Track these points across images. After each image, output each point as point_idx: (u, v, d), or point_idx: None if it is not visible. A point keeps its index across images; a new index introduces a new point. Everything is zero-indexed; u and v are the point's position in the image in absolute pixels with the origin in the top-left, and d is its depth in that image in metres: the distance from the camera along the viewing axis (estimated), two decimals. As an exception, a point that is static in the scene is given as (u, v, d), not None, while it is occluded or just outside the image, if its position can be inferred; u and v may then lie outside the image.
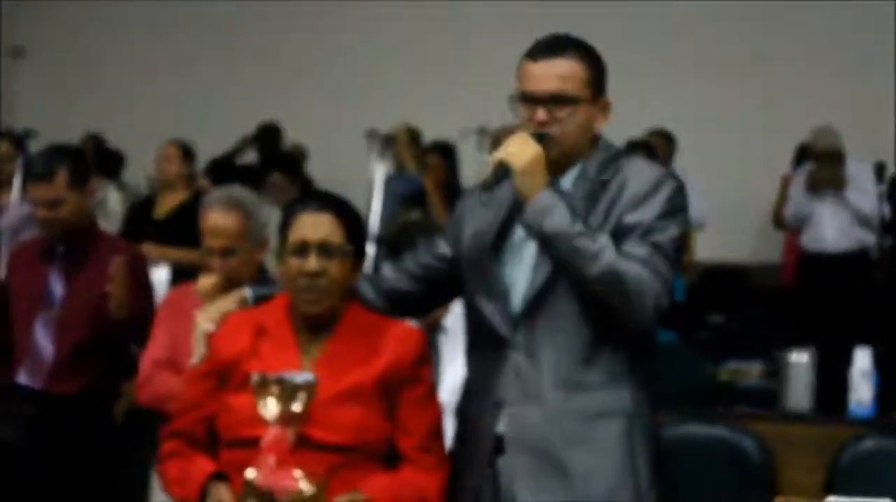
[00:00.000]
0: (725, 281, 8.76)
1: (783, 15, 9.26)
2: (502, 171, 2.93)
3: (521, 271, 3.02)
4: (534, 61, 2.99)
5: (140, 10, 10.62)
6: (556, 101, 2.96)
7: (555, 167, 2.97)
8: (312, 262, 3.03)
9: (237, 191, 4.15)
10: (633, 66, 9.06)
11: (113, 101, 10.29)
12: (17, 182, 6.80)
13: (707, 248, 8.38)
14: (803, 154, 8.35)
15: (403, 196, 7.87)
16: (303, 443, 2.91)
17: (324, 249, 3.05)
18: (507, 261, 3.04)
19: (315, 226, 3.07)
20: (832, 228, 7.84)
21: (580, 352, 2.96)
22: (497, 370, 3.01)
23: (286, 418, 2.87)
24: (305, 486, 2.83)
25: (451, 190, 7.92)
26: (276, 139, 9.37)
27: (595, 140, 3.05)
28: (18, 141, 7.06)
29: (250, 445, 2.93)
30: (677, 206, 2.99)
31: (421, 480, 3.04)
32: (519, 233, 3.04)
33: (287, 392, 2.86)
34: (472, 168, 8.28)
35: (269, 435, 2.87)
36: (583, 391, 2.96)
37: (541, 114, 2.96)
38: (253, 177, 8.04)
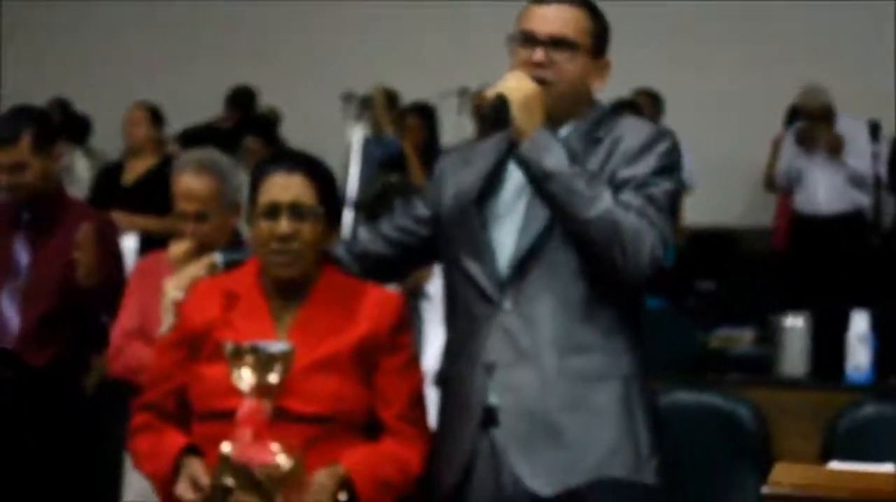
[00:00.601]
0: (715, 245, 8.75)
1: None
2: (500, 105, 2.88)
3: (510, 230, 2.97)
4: (539, 4, 2.98)
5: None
6: (556, 43, 2.93)
7: (548, 119, 2.92)
8: (283, 225, 2.97)
9: (210, 153, 4.08)
10: (621, 23, 9.04)
11: (78, 64, 10.23)
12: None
13: (696, 212, 8.36)
14: (794, 115, 8.33)
15: (381, 159, 7.84)
16: (279, 415, 2.85)
17: (295, 211, 2.99)
18: (493, 220, 3.00)
19: (286, 187, 3.01)
20: (825, 189, 7.83)
21: (573, 311, 2.92)
22: (484, 332, 2.95)
23: (262, 389, 2.80)
24: (283, 460, 2.78)
25: (431, 152, 7.88)
26: (249, 102, 9.31)
27: (589, 99, 3.03)
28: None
29: (224, 418, 2.87)
30: (672, 162, 2.97)
31: (402, 451, 3.00)
32: (507, 190, 3.00)
33: (262, 362, 2.79)
34: (452, 130, 8.26)
35: (245, 408, 2.80)
36: (578, 352, 2.92)
37: (539, 53, 2.93)
38: (226, 141, 8.00)
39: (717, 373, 6.00)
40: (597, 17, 3.00)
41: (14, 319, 4.44)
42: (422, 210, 3.14)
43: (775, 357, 5.22)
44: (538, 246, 2.92)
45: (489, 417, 2.92)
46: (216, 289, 3.07)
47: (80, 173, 7.92)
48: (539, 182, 2.87)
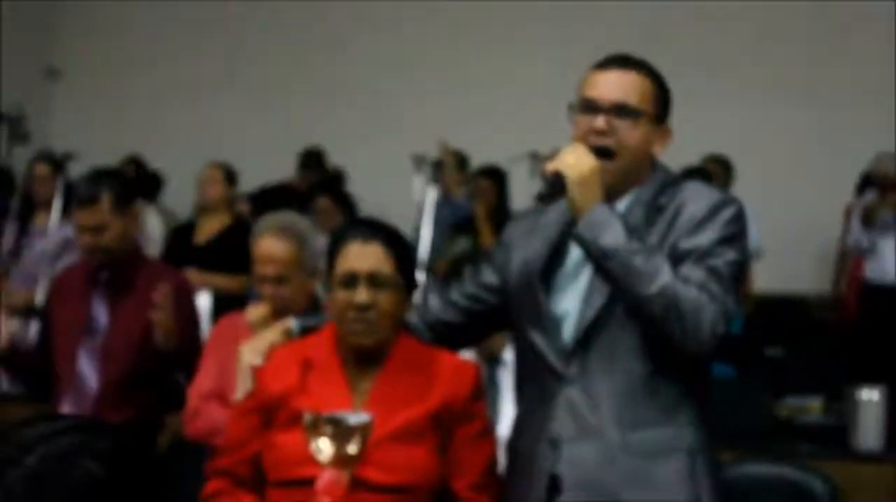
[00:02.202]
0: (784, 312, 8.69)
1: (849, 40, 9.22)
2: (558, 183, 2.87)
3: (574, 301, 2.96)
4: (601, 70, 2.97)
5: (177, 32, 10.69)
6: (618, 111, 2.92)
7: (609, 190, 2.91)
8: (362, 294, 3.00)
9: (290, 217, 4.11)
10: (690, 89, 9.06)
11: (151, 122, 10.34)
12: (56, 205, 6.84)
13: (765, 278, 8.32)
14: (867, 182, 8.29)
15: (452, 222, 7.87)
16: (356, 485, 2.86)
17: (373, 280, 3.01)
18: (559, 291, 2.99)
19: (364, 256, 3.03)
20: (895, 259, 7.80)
21: (637, 386, 2.89)
22: (550, 404, 2.94)
23: (341, 460, 2.81)
24: None
25: (502, 216, 7.90)
26: (319, 163, 9.37)
27: (652, 165, 3.01)
28: (58, 164, 7.09)
29: (300, 486, 2.90)
30: (736, 231, 2.92)
31: None
32: (571, 260, 2.99)
33: (341, 433, 2.80)
34: (523, 194, 8.28)
35: (325, 478, 2.81)
36: (641, 427, 2.90)
37: (600, 121, 2.91)
38: (298, 202, 8.07)
39: (786, 444, 5.95)
40: (659, 83, 2.99)
41: (92, 378, 4.48)
42: (490, 278, 3.14)
43: (850, 429, 5.18)
44: (601, 319, 2.90)
45: (554, 486, 2.91)
46: (293, 355, 3.09)
47: (152, 231, 7.99)
48: (597, 260, 2.86)
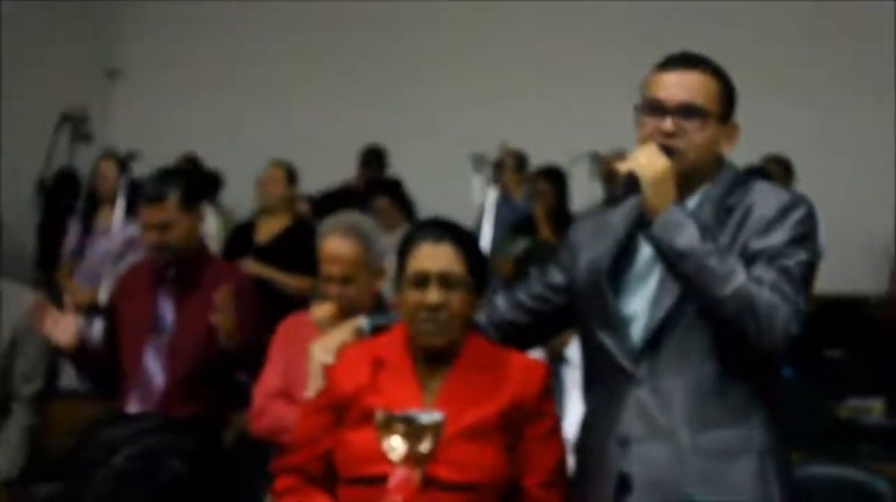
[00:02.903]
0: (844, 313, 8.63)
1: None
2: (631, 183, 2.88)
3: (642, 301, 2.96)
4: (666, 71, 2.96)
5: (238, 31, 10.75)
6: (685, 112, 2.92)
7: (678, 188, 2.91)
8: (433, 295, 3.03)
9: (355, 217, 4.17)
10: (750, 88, 9.04)
11: (210, 121, 10.39)
12: (120, 204, 6.90)
13: (825, 279, 8.24)
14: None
15: (511, 222, 7.88)
16: (427, 483, 2.88)
17: (444, 281, 3.04)
18: (627, 291, 2.99)
19: (434, 256, 3.06)
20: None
21: (708, 386, 2.89)
22: (619, 405, 2.95)
23: (413, 458, 2.83)
24: None
25: (561, 216, 7.90)
26: (381, 162, 9.38)
27: (720, 163, 3.01)
28: (122, 162, 7.15)
29: (371, 483, 2.93)
30: (807, 231, 2.91)
31: None
32: (640, 260, 2.99)
33: (413, 431, 2.82)
34: (583, 194, 8.27)
35: (397, 476, 2.83)
36: (711, 428, 2.90)
37: (668, 123, 2.91)
38: (357, 202, 8.11)
39: (847, 445, 5.93)
40: (724, 81, 2.98)
41: (159, 375, 4.51)
42: (557, 278, 3.15)
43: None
44: (670, 319, 2.91)
45: (623, 485, 2.92)
46: (364, 354, 3.12)
47: (210, 230, 8.04)
48: (671, 261, 2.86)
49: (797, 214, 2.90)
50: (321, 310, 4.00)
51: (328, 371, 3.15)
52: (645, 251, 2.98)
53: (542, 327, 3.25)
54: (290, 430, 3.74)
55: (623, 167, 2.89)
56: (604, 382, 3.02)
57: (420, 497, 2.85)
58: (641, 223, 2.94)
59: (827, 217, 7.95)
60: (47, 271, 8.08)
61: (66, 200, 8.04)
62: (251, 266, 6.70)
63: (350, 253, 3.99)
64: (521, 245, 7.41)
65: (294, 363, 3.99)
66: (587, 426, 3.10)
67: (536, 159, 8.67)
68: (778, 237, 2.87)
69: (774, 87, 9.17)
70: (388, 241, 7.61)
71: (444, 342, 3.06)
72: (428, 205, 8.39)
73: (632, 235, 3.00)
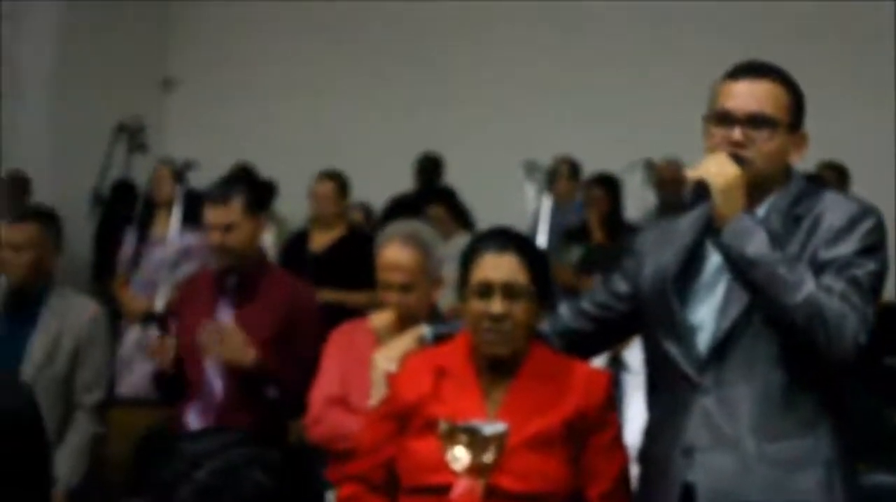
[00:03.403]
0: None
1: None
2: (701, 191, 2.88)
3: (709, 310, 2.95)
4: (735, 80, 2.95)
5: (291, 40, 10.77)
6: (754, 122, 2.91)
7: (747, 196, 2.90)
8: (497, 305, 3.03)
9: (415, 225, 4.17)
10: (808, 95, 8.97)
11: (265, 130, 10.42)
12: (176, 213, 6.93)
13: (886, 286, 8.18)
14: None
15: (565, 229, 7.86)
16: (490, 493, 2.89)
17: (508, 291, 3.04)
18: (693, 299, 2.98)
19: (499, 266, 3.06)
20: None
21: (775, 396, 2.88)
22: (684, 414, 2.94)
23: (476, 469, 2.83)
24: None
25: (615, 224, 7.87)
26: (437, 170, 9.37)
27: (788, 172, 3.00)
28: (178, 172, 7.18)
29: (434, 493, 2.94)
30: (876, 242, 2.89)
31: None
32: (707, 269, 2.99)
33: (477, 442, 2.82)
34: (637, 202, 8.23)
35: (460, 486, 2.84)
36: (778, 438, 2.89)
37: (737, 133, 2.91)
38: (409, 209, 8.11)
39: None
40: (793, 89, 2.97)
41: (218, 383, 4.55)
42: (622, 286, 3.15)
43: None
44: (738, 328, 2.90)
45: (688, 495, 2.91)
46: (427, 363, 3.13)
47: (266, 240, 8.07)
48: (740, 269, 2.85)
49: (867, 224, 2.89)
50: (380, 319, 3.99)
51: (391, 379, 3.16)
52: (713, 259, 2.98)
53: (606, 335, 3.27)
54: (348, 438, 3.76)
55: (693, 175, 2.89)
56: (668, 390, 3.02)
57: None
58: (710, 230, 2.93)
59: (890, 220, 7.92)
60: (103, 281, 8.13)
61: (122, 210, 8.07)
62: (323, 294, 6.70)
63: (410, 261, 3.98)
64: (576, 252, 7.39)
65: (351, 371, 3.99)
66: (651, 434, 3.10)
67: (590, 166, 8.63)
68: (847, 247, 2.86)
69: (835, 93, 9.08)
70: (444, 251, 7.66)
71: (508, 352, 3.06)
72: (482, 213, 8.37)
73: (699, 243, 3.00)
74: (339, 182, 7.56)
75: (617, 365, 4.16)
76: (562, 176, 8.13)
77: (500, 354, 3.05)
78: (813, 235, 2.90)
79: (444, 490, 2.88)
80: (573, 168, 8.64)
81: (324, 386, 4.10)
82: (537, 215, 7.41)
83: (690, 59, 9.30)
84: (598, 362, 4.24)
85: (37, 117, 9.74)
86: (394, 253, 4.00)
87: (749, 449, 2.88)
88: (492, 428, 2.84)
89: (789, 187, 2.98)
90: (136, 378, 6.49)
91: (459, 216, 8.23)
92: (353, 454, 3.32)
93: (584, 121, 9.60)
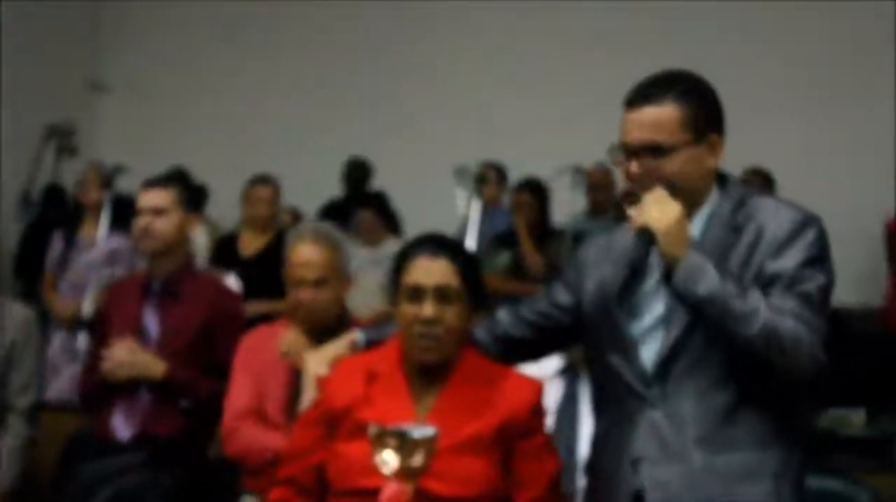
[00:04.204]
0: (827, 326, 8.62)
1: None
2: (646, 236, 2.86)
3: (652, 322, 2.94)
4: (627, 110, 2.92)
5: (220, 46, 10.76)
6: (649, 151, 2.88)
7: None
8: (428, 309, 3.03)
9: (324, 225, 4.23)
10: (731, 103, 9.05)
11: (195, 134, 10.38)
12: (104, 217, 6.89)
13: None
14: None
15: (493, 235, 7.87)
16: (420, 497, 2.88)
17: (440, 295, 3.04)
18: (636, 312, 2.97)
19: (430, 270, 3.06)
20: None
21: (721, 410, 2.87)
22: (631, 426, 2.93)
23: (405, 473, 2.81)
24: None
25: (543, 230, 7.89)
26: (365, 175, 9.37)
27: (721, 178, 2.97)
28: (107, 177, 7.14)
29: (363, 496, 2.93)
30: (821, 251, 2.88)
31: None
32: (650, 282, 2.97)
33: (406, 446, 2.80)
34: (565, 207, 8.25)
35: (388, 490, 2.82)
36: (726, 450, 2.87)
37: (633, 166, 2.90)
38: (339, 213, 8.10)
39: (828, 455, 5.92)
40: (693, 100, 2.91)
41: (144, 390, 4.52)
42: (563, 297, 3.13)
43: (894, 442, 5.15)
44: (682, 342, 2.89)
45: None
46: (358, 367, 3.13)
47: (197, 241, 8.03)
48: (695, 308, 2.83)
49: (810, 235, 2.87)
50: (287, 341, 3.97)
51: (321, 383, 3.15)
52: (654, 274, 2.96)
53: (544, 343, 3.24)
54: (263, 451, 3.75)
55: (636, 222, 2.87)
56: (615, 402, 3.00)
57: None
58: (647, 244, 2.90)
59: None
60: (29, 282, 8.06)
61: (52, 214, 8.02)
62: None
63: (322, 257, 3.99)
64: (504, 258, 7.42)
65: (265, 378, 3.98)
66: (598, 445, 3.09)
67: (518, 172, 8.66)
68: (792, 259, 2.84)
69: (763, 101, 9.19)
70: (372, 255, 7.67)
71: (438, 358, 3.06)
72: (411, 218, 8.37)
73: (641, 258, 2.97)
74: (273, 186, 7.54)
75: (573, 375, 4.15)
76: (490, 181, 8.13)
77: (430, 361, 3.05)
78: (756, 247, 2.88)
79: (374, 493, 2.86)
80: (500, 173, 8.65)
81: (234, 399, 4.06)
82: (467, 220, 7.42)
83: (619, 65, 9.35)
84: (553, 368, 4.24)
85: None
86: (307, 250, 4.00)
87: (696, 462, 2.86)
88: (421, 431, 2.82)
89: (727, 194, 2.96)
90: (63, 382, 6.45)
91: (389, 221, 8.22)
92: (272, 462, 3.31)
93: (513, 126, 9.64)
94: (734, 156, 7.92)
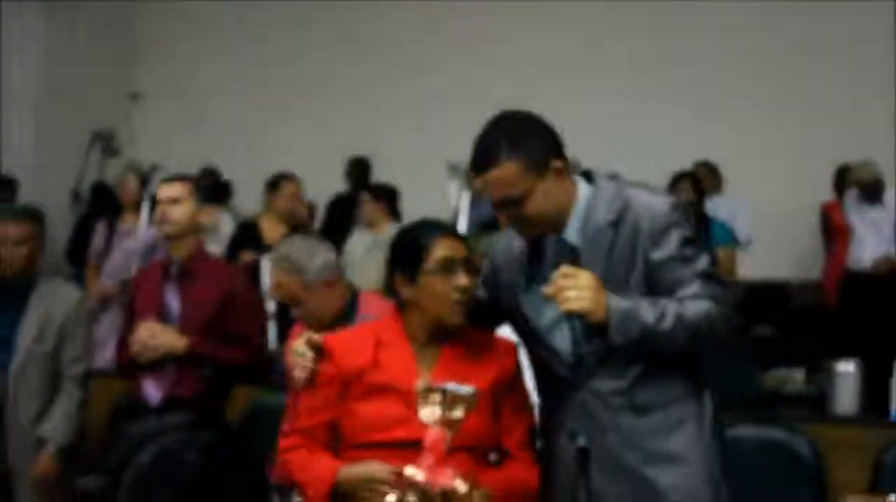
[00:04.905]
0: (770, 296, 8.65)
1: (818, 43, 9.13)
2: (577, 316, 2.77)
3: (557, 316, 2.88)
4: (476, 176, 2.85)
5: (242, 57, 10.76)
6: (508, 205, 2.81)
7: (549, 230, 2.85)
8: (464, 278, 2.98)
9: (287, 249, 4.00)
10: (682, 100, 9.05)
11: (222, 136, 10.38)
12: (144, 211, 6.89)
13: (753, 267, 8.29)
14: (841, 178, 8.29)
15: (479, 222, 7.86)
16: (405, 445, 2.90)
17: (468, 266, 3.00)
18: (540, 308, 2.91)
19: (455, 246, 3.01)
20: (871, 249, 7.78)
21: (637, 380, 2.86)
22: (565, 407, 2.93)
23: (446, 422, 2.82)
24: (460, 485, 2.81)
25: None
26: (365, 172, 9.36)
27: (567, 194, 2.85)
28: (145, 176, 7.16)
29: (378, 448, 2.93)
30: (691, 226, 2.85)
31: (525, 474, 3.04)
32: (546, 269, 2.86)
33: (449, 400, 2.82)
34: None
35: (431, 437, 2.82)
36: (649, 412, 2.87)
37: (504, 218, 2.86)
38: (345, 205, 8.09)
39: (772, 409, 5.96)
40: (521, 149, 2.80)
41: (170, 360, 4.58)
42: (483, 292, 3.09)
43: (829, 396, 5.18)
44: (586, 334, 2.86)
45: (582, 456, 2.87)
46: (367, 335, 3.10)
47: (224, 230, 8.03)
48: (638, 345, 2.79)
49: (680, 218, 2.84)
50: (299, 347, 3.77)
51: (331, 348, 3.08)
52: (548, 261, 2.89)
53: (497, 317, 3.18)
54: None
55: (564, 308, 2.74)
56: (548, 388, 3.01)
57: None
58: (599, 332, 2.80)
59: (756, 212, 8.00)
60: (80, 268, 8.09)
61: (99, 208, 8.05)
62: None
63: (286, 284, 3.90)
64: (484, 243, 7.40)
65: None
66: (544, 429, 3.07)
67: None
68: (673, 243, 2.81)
69: (707, 97, 9.16)
70: (375, 239, 7.65)
71: (465, 321, 3.02)
72: (408, 208, 8.36)
73: (537, 254, 2.92)
74: (297, 183, 7.55)
75: None
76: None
77: (461, 324, 3.02)
78: (637, 241, 2.82)
79: (387, 445, 2.90)
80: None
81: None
82: (457, 210, 7.42)
83: (611, 59, 9.35)
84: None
85: (24, 128, 9.77)
86: (271, 278, 3.99)
87: (625, 428, 2.87)
88: (464, 389, 2.83)
89: (597, 192, 2.87)
90: (109, 352, 6.46)
91: (392, 208, 8.23)
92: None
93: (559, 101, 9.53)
94: (687, 149, 7.88)
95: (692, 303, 2.76)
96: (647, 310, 2.75)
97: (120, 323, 5.17)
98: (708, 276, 2.81)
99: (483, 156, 2.82)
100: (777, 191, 8.91)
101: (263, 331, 4.75)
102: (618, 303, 2.74)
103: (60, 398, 4.71)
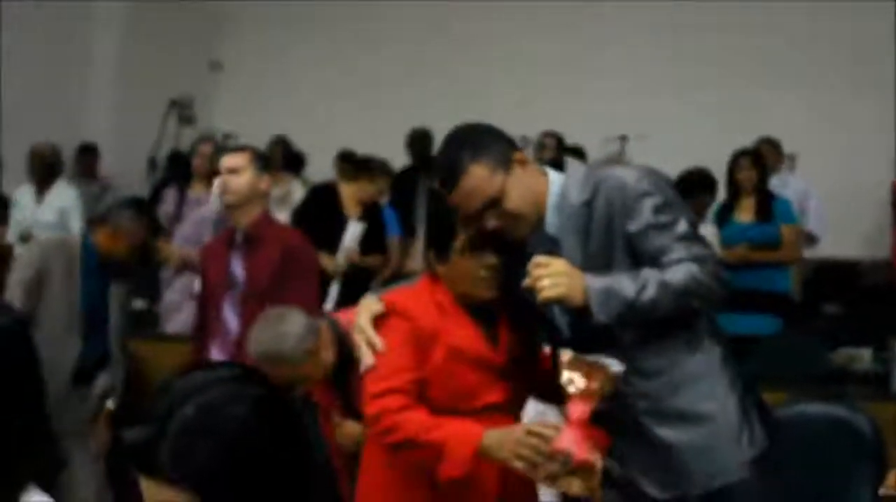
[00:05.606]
0: (839, 275, 8.54)
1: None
2: (561, 304, 2.78)
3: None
4: (449, 194, 2.85)
5: (316, 34, 10.79)
6: (491, 208, 2.84)
7: (533, 228, 2.87)
8: (493, 257, 2.98)
9: (257, 347, 3.79)
10: (749, 78, 8.91)
11: (295, 108, 10.42)
12: (218, 181, 6.91)
13: (824, 245, 8.19)
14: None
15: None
16: (496, 409, 2.96)
17: (497, 243, 2.99)
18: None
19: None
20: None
21: (638, 348, 2.85)
22: None
23: (589, 393, 2.75)
24: (597, 459, 2.75)
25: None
26: (427, 143, 9.29)
27: (539, 184, 2.88)
28: (219, 146, 7.20)
29: (471, 414, 2.92)
30: (664, 194, 2.82)
31: None
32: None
33: (593, 373, 2.75)
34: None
35: (576, 409, 2.75)
36: (657, 374, 2.87)
37: (491, 223, 2.86)
38: (404, 180, 8.08)
39: (840, 387, 5.90)
40: (481, 150, 2.83)
41: (234, 324, 4.66)
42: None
43: (893, 375, 5.11)
44: (580, 321, 2.83)
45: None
46: (428, 299, 3.05)
47: (295, 198, 8.07)
48: (624, 323, 2.78)
49: (649, 186, 2.81)
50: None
51: (400, 306, 3.03)
52: (535, 248, 2.88)
53: None
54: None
55: (541, 298, 2.73)
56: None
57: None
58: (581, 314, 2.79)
59: (826, 193, 7.88)
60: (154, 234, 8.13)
61: (174, 175, 8.10)
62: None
63: (281, 377, 3.71)
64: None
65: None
66: None
67: (571, 139, 8.58)
68: (647, 212, 2.79)
69: (775, 75, 9.03)
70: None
71: (496, 293, 3.03)
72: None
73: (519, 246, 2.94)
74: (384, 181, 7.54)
75: None
76: (547, 148, 8.08)
77: (491, 297, 3.02)
78: (612, 218, 2.82)
79: (479, 411, 2.93)
80: (559, 141, 8.58)
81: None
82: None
83: (646, 45, 9.27)
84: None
85: (104, 95, 9.84)
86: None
87: (634, 391, 2.86)
88: (606, 362, 2.78)
89: (567, 180, 2.89)
90: (184, 316, 6.52)
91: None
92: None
93: (568, 96, 9.52)
94: (754, 125, 7.76)
95: (675, 268, 2.75)
96: (627, 284, 2.73)
97: (196, 288, 5.20)
98: (689, 239, 2.79)
99: (449, 172, 2.84)
100: (852, 169, 8.78)
101: (321, 294, 4.82)
102: (595, 282, 2.73)
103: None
